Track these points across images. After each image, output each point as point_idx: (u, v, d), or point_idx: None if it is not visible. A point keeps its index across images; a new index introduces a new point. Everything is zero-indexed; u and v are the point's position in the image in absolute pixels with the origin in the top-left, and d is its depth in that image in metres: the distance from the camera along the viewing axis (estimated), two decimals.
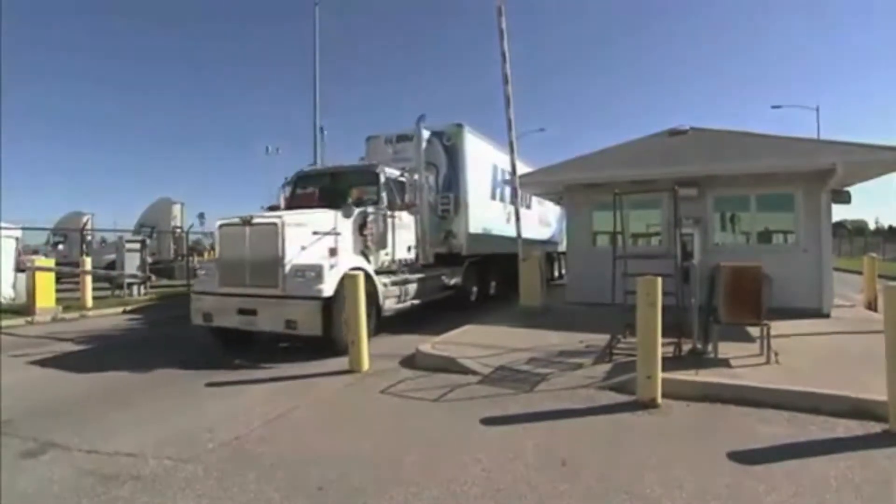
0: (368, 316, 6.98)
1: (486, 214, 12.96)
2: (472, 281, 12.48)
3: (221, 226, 7.90)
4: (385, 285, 8.66)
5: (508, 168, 13.80)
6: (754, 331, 6.54)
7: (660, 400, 4.84)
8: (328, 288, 7.17)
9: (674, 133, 12.39)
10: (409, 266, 9.95)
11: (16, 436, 4.46)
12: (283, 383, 6.22)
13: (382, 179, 9.28)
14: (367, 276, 7.73)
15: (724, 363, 5.86)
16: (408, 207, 9.60)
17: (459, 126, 11.98)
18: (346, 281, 6.80)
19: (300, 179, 10.35)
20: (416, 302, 9.78)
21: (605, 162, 11.30)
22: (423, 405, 5.14)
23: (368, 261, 8.61)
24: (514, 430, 4.40)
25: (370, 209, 8.71)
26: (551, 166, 12.55)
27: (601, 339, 6.99)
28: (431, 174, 11.47)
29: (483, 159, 13.03)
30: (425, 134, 11.08)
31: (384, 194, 9.21)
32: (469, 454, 3.88)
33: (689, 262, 7.04)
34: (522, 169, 12.60)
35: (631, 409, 4.75)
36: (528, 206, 16.11)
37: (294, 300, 7.22)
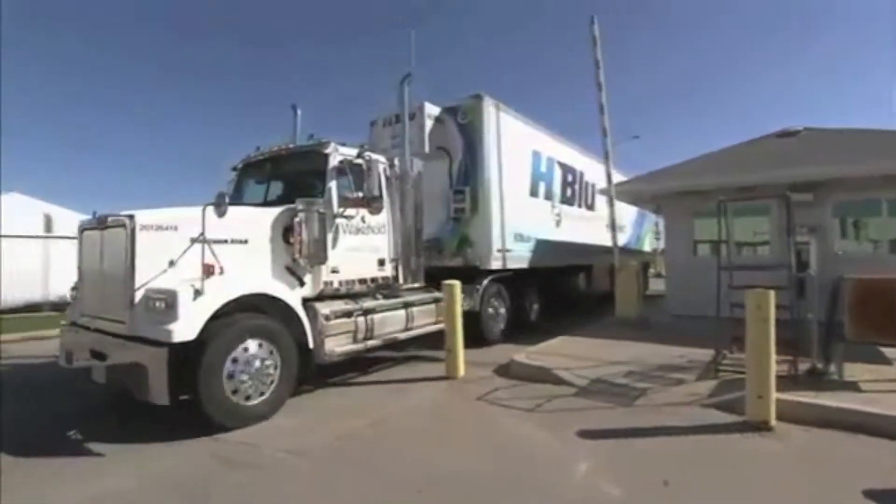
0: (283, 361, 5.09)
1: (520, 215, 9.58)
2: (494, 304, 9.06)
3: (82, 229, 5.56)
4: (327, 318, 5.73)
5: (558, 157, 10.90)
6: (890, 352, 5.91)
7: (773, 422, 4.35)
8: (184, 328, 4.38)
9: (784, 135, 11.16)
10: (384, 287, 6.89)
11: None
12: (382, 386, 6.37)
13: (332, 163, 6.22)
14: (289, 307, 5.34)
15: (852, 386, 5.15)
16: (365, 205, 6.30)
17: (477, 98, 8.75)
18: (445, 289, 6.49)
19: (245, 168, 7.38)
20: (390, 338, 6.68)
21: (707, 168, 10.31)
22: (518, 414, 5.05)
23: (300, 281, 5.74)
24: (612, 445, 4.19)
25: (300, 206, 5.67)
26: (651, 173, 11.44)
27: (703, 353, 6.51)
28: (441, 162, 8.76)
29: (516, 143, 9.65)
30: (431, 110, 8.47)
31: (332, 185, 6.15)
32: (565, 466, 3.78)
33: (806, 272, 6.32)
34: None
35: (740, 431, 4.32)
36: (591, 206, 12.97)
37: (137, 344, 4.55)
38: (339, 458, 4.06)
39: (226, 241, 5.19)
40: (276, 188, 6.88)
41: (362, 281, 6.57)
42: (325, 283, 6.04)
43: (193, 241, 4.87)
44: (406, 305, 7.09)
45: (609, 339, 8.05)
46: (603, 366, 6.35)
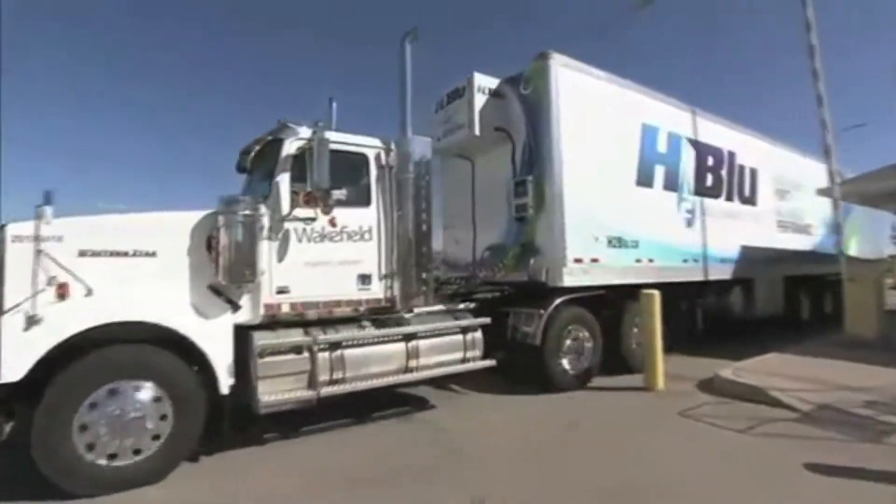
0: (178, 410, 3.72)
1: (618, 211, 6.79)
2: (570, 336, 6.32)
3: None
4: (260, 354, 4.18)
5: (688, 132, 7.91)
6: None
7: None
8: (5, 366, 3.28)
9: None
10: (375, 311, 5.02)
11: None
12: (577, 392, 6.17)
13: (287, 151, 4.64)
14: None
15: None
16: (313, 203, 4.54)
17: (542, 57, 6.27)
18: (644, 299, 6.17)
19: (240, 168, 5.92)
20: (379, 381, 4.78)
21: None
22: (728, 435, 4.55)
23: (231, 304, 4.24)
24: (854, 487, 3.41)
25: (219, 207, 4.22)
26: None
27: None
28: (503, 148, 6.65)
29: (611, 114, 6.88)
30: (485, 82, 6.52)
31: (281, 178, 4.56)
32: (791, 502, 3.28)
33: None
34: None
35: None
36: (748, 200, 9.21)
37: None
38: (523, 456, 4.17)
39: (126, 254, 3.95)
40: (265, 188, 5.53)
41: (337, 304, 4.76)
42: (267, 307, 4.40)
43: (83, 254, 3.80)
44: (409, 338, 5.04)
45: (835, 360, 6.81)
46: (831, 390, 5.48)
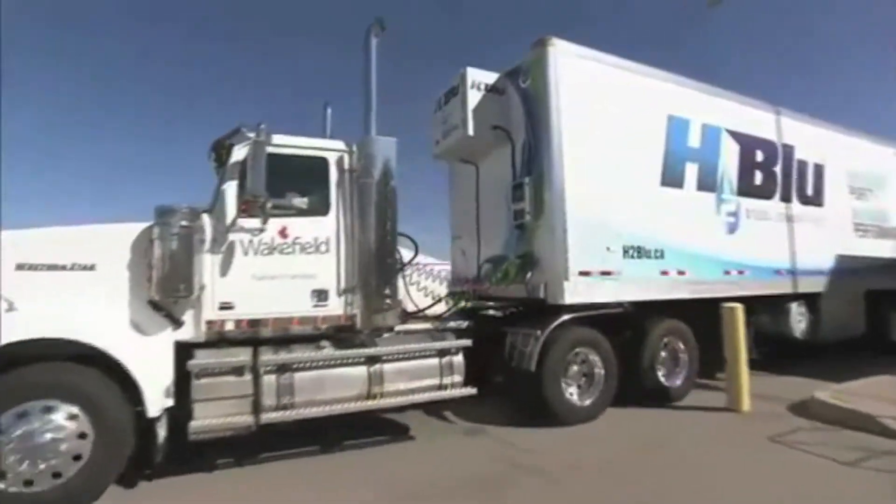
0: (100, 435, 3.40)
1: (638, 216, 5.83)
2: (576, 361, 5.45)
3: None
4: (197, 375, 3.83)
5: (728, 123, 6.76)
6: None
7: None
8: None
9: None
10: (341, 330, 4.56)
11: None
12: (655, 410, 5.82)
13: (234, 158, 4.28)
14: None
15: None
16: (249, 212, 4.14)
17: (541, 44, 5.49)
18: (726, 313, 5.84)
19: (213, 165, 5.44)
20: (336, 408, 4.24)
21: None
22: (830, 467, 4.04)
23: (172, 320, 3.95)
24: None
25: (159, 218, 3.88)
26: None
27: None
28: (503, 149, 5.94)
29: (629, 104, 5.94)
30: (480, 77, 5.88)
31: (227, 186, 4.22)
32: None
33: None
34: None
35: None
36: (813, 201, 7.78)
37: None
38: (608, 476, 4.00)
39: (64, 268, 3.78)
40: None
41: (289, 321, 4.32)
42: (210, 324, 4.06)
43: (20, 267, 3.68)
44: (372, 360, 4.48)
45: None
46: None
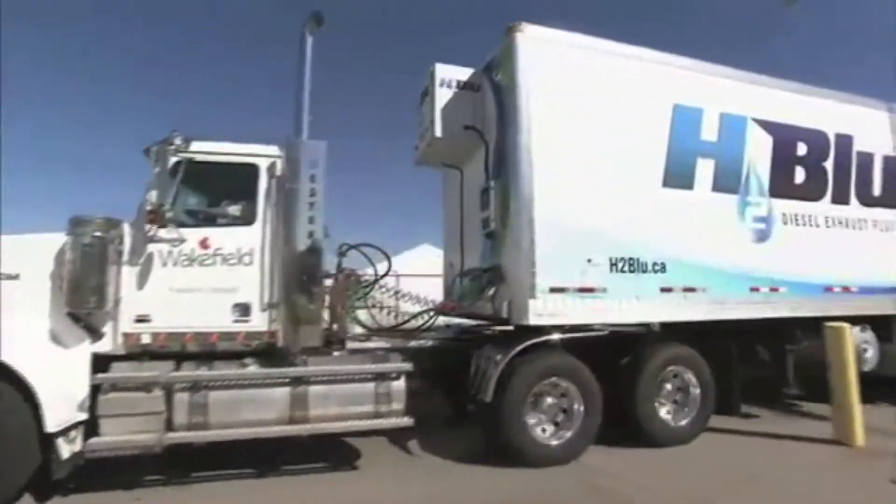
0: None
1: (632, 222, 5.00)
2: (528, 392, 4.57)
3: None
4: (105, 389, 3.69)
5: (756, 111, 5.66)
6: None
7: None
8: None
9: None
10: (273, 347, 4.26)
11: None
12: (752, 438, 5.31)
13: (159, 168, 4.02)
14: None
15: None
16: (153, 222, 3.92)
17: (509, 31, 4.85)
18: (831, 334, 5.15)
19: None
20: (259, 431, 3.94)
21: None
22: None
23: (92, 332, 3.89)
24: None
25: (71, 229, 3.81)
26: None
27: None
28: (480, 151, 5.37)
29: (615, 97, 5.10)
30: (450, 74, 5.41)
31: (149, 196, 4.02)
32: None
33: None
34: None
35: None
36: (887, 203, 6.36)
37: None
38: None
39: None
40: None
41: (208, 336, 4.09)
42: (127, 337, 3.95)
43: None
44: (297, 382, 4.13)
45: None
46: None
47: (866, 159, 6.22)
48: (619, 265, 4.92)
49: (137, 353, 4.00)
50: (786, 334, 5.80)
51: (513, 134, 4.79)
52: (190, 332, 4.05)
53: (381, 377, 4.32)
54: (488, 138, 5.31)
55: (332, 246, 4.93)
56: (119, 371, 3.83)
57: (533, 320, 4.54)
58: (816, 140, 5.97)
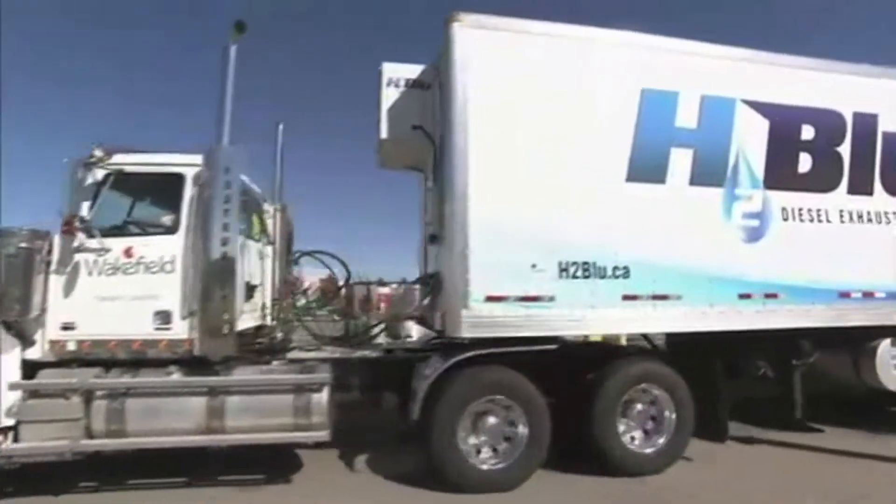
0: None
1: (591, 226, 4.46)
2: (462, 413, 4.18)
3: None
4: (25, 396, 3.84)
5: (747, 93, 4.90)
6: None
7: None
8: None
9: None
10: (195, 355, 4.17)
11: None
12: (837, 457, 5.01)
13: (93, 177, 4.17)
14: None
15: None
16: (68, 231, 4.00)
17: (447, 21, 4.46)
18: None
19: None
20: (175, 440, 3.92)
21: None
22: None
23: (22, 338, 4.00)
24: None
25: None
26: None
27: None
28: (429, 151, 5.08)
29: (570, 85, 4.58)
30: (397, 73, 5.14)
31: (84, 206, 4.10)
32: None
33: None
34: None
35: None
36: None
37: None
38: None
39: None
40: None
41: (130, 343, 4.12)
42: (53, 344, 4.07)
43: None
44: (214, 391, 4.07)
45: None
46: None
47: (892, 141, 5.20)
48: (571, 270, 4.42)
49: (69, 360, 4.13)
50: (791, 347, 4.98)
51: (448, 130, 4.46)
52: (114, 340, 4.11)
53: (300, 389, 4.16)
54: (435, 137, 5.01)
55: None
56: (45, 377, 3.97)
57: (467, 332, 4.18)
58: (828, 121, 5.06)
